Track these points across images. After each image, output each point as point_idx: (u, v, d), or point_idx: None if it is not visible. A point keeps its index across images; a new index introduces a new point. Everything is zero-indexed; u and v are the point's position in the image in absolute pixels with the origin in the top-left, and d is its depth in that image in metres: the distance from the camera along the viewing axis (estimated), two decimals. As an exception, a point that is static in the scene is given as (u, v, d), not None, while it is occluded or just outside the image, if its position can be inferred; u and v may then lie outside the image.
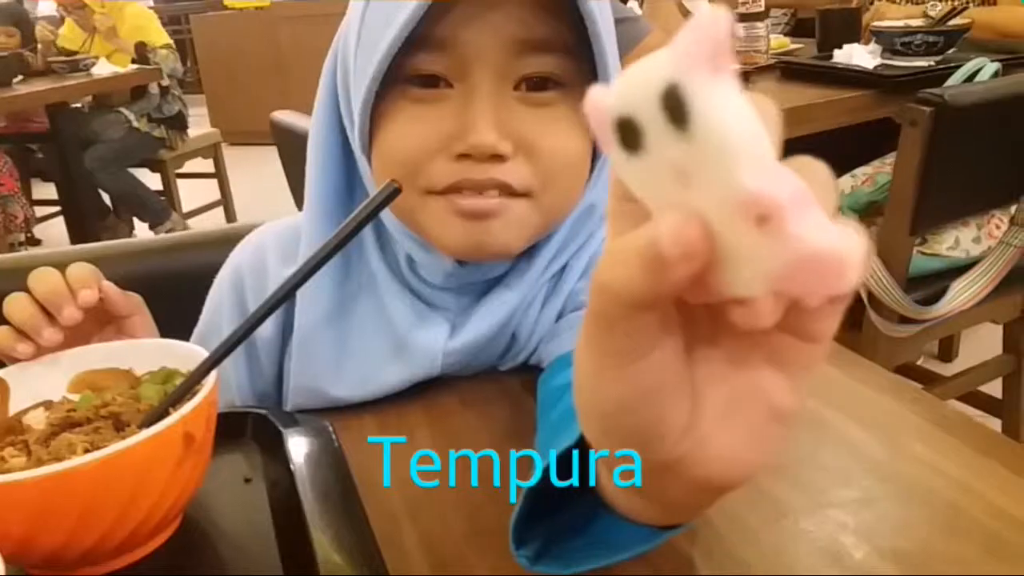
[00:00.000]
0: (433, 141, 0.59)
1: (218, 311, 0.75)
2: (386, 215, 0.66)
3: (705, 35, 0.22)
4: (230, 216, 4.42)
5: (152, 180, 4.07)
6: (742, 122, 0.22)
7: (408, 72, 0.59)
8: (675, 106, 0.22)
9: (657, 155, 0.24)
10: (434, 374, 0.69)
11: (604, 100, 0.25)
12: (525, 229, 0.62)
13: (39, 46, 3.91)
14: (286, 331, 0.71)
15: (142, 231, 4.11)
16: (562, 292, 0.69)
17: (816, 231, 0.22)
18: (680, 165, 0.24)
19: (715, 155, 0.22)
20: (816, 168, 0.24)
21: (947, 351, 2.45)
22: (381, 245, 0.69)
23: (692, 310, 0.28)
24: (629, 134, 0.25)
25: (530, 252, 0.67)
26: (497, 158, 0.58)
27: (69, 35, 4.08)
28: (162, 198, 4.06)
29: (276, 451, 0.55)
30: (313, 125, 0.68)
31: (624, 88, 0.24)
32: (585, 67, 0.59)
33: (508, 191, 0.59)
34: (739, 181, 0.22)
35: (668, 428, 0.30)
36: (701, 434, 0.30)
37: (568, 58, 0.59)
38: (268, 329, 0.71)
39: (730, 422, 0.30)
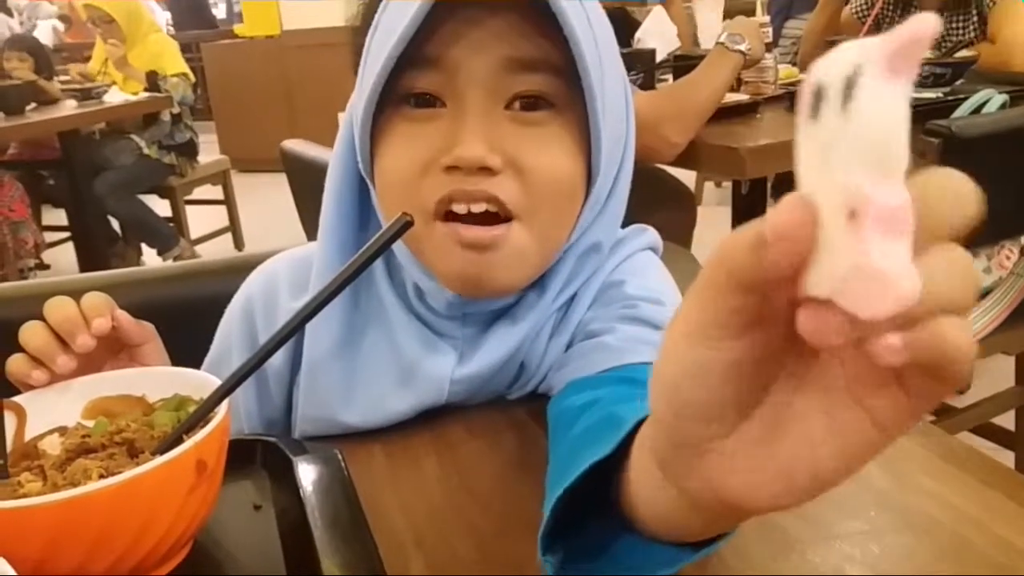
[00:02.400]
0: (425, 157, 0.60)
1: (228, 339, 0.76)
2: (396, 243, 0.66)
3: (901, 35, 0.23)
4: (238, 242, 4.45)
5: (161, 206, 4.10)
6: (890, 124, 0.23)
7: (402, 93, 0.61)
8: (848, 86, 0.24)
9: (821, 126, 0.25)
10: (441, 402, 0.69)
11: (821, 64, 0.25)
12: (524, 261, 0.63)
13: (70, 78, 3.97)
14: (295, 360, 0.72)
15: (150, 257, 4.13)
16: (571, 322, 0.69)
17: (886, 250, 0.23)
18: (827, 140, 0.24)
19: (851, 141, 0.23)
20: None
21: (959, 382, 2.44)
22: (390, 273, 0.70)
23: (779, 331, 0.28)
24: (817, 101, 0.25)
25: (540, 286, 0.68)
26: (486, 171, 0.59)
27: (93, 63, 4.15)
28: (171, 224, 4.08)
29: (286, 479, 0.55)
30: (333, 158, 0.70)
31: (831, 59, 0.25)
32: (577, 90, 0.60)
33: (498, 205, 0.60)
34: (856, 171, 0.23)
35: (715, 420, 0.30)
36: (731, 447, 0.30)
37: (559, 79, 0.60)
38: (278, 358, 0.72)
39: (763, 450, 0.30)
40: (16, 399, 0.54)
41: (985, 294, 1.67)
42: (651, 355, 0.55)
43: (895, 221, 0.23)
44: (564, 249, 0.67)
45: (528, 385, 0.71)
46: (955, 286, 0.24)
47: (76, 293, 0.63)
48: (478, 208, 0.60)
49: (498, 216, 0.60)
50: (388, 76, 0.59)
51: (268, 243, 0.71)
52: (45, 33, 7.64)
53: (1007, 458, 1.91)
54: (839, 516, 0.54)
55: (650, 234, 0.76)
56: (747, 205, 2.20)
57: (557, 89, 0.61)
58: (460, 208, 0.60)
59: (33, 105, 3.64)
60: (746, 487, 0.30)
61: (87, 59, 4.19)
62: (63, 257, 4.24)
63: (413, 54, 0.58)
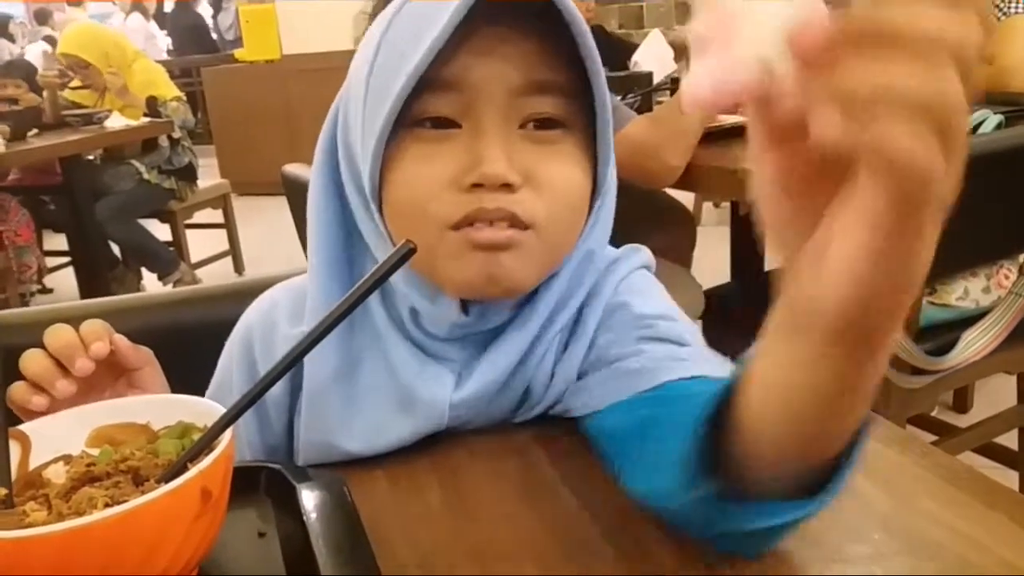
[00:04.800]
0: (444, 176, 0.61)
1: (229, 370, 0.76)
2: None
3: None
4: (238, 266, 4.46)
5: (161, 230, 4.11)
6: None
7: (416, 115, 0.62)
8: None
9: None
10: (442, 426, 0.69)
11: None
12: (535, 264, 0.65)
13: (44, 94, 3.96)
14: (295, 389, 0.72)
15: (150, 281, 4.14)
16: (579, 344, 0.70)
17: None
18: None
19: None
20: None
21: (962, 402, 2.44)
22: (384, 299, 0.70)
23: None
24: None
25: (531, 300, 0.69)
26: (507, 188, 0.61)
27: (81, 93, 4.14)
28: (171, 248, 4.09)
29: (290, 505, 0.55)
30: (311, 190, 0.71)
31: None
32: (583, 109, 0.63)
33: (516, 223, 0.62)
34: None
35: (788, 227, 0.37)
36: (803, 255, 0.36)
37: (569, 100, 0.63)
38: (277, 387, 0.72)
39: (818, 260, 0.35)
40: (21, 427, 0.54)
41: (984, 313, 1.68)
42: (685, 371, 0.60)
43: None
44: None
45: (534, 409, 0.71)
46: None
47: (80, 319, 0.64)
48: (500, 227, 0.61)
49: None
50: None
51: (268, 266, 0.72)
52: (36, 56, 7.69)
53: (1011, 478, 1.91)
54: (843, 539, 0.54)
55: (644, 253, 0.77)
56: (746, 226, 2.20)
57: (567, 109, 0.63)
58: (482, 227, 0.61)
59: (35, 131, 3.66)
60: (817, 288, 0.35)
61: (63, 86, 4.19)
62: (64, 282, 4.24)
63: (428, 77, 0.60)
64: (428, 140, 0.63)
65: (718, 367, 0.62)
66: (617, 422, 0.62)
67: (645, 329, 0.68)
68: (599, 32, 2.74)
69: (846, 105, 0.31)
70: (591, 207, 0.68)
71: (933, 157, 0.30)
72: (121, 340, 0.65)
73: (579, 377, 0.70)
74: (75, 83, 4.15)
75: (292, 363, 0.49)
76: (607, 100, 0.64)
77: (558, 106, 0.63)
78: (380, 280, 0.48)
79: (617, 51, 2.77)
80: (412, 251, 0.48)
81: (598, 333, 0.70)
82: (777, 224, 0.37)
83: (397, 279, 0.68)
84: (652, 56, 2.43)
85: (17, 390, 0.60)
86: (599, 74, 0.62)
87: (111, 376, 0.66)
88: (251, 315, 0.77)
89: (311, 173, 0.71)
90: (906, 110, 0.30)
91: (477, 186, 0.60)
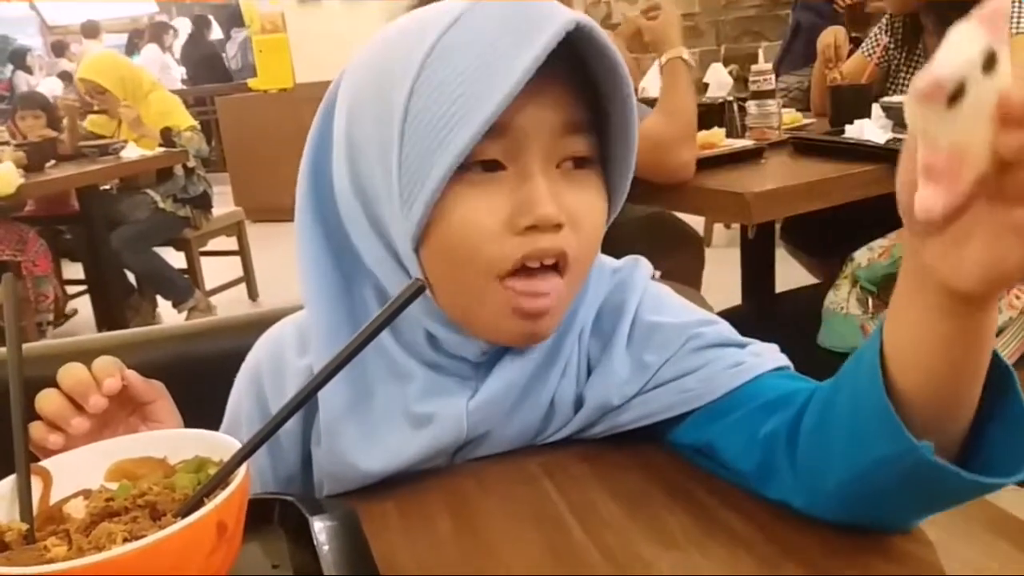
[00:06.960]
0: (498, 219, 0.63)
1: (239, 408, 0.77)
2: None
3: (998, 14, 0.37)
4: (252, 293, 4.48)
5: (176, 258, 4.14)
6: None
7: (465, 159, 0.61)
8: (989, 60, 0.37)
9: (972, 99, 0.38)
10: (462, 437, 0.70)
11: (942, 78, 0.38)
12: (564, 308, 0.69)
13: (64, 123, 4.01)
14: (308, 419, 0.73)
15: (166, 309, 4.16)
16: (611, 364, 0.71)
17: None
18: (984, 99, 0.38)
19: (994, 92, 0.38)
20: None
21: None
22: (392, 325, 0.71)
23: None
24: (955, 94, 0.38)
25: None
26: (556, 227, 0.63)
27: (98, 120, 4.20)
28: (186, 276, 4.12)
29: (303, 538, 0.56)
30: (300, 224, 0.74)
31: (953, 66, 0.38)
32: (597, 142, 0.67)
33: (563, 258, 0.64)
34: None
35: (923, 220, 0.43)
36: (939, 242, 0.44)
37: (595, 135, 0.66)
38: (290, 420, 0.73)
39: (956, 248, 0.43)
40: (42, 463, 0.55)
41: (996, 334, 1.67)
42: (755, 371, 0.67)
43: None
44: None
45: (564, 428, 0.73)
46: None
47: (98, 352, 0.65)
48: (549, 262, 0.64)
49: (555, 265, 0.65)
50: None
51: (282, 292, 0.74)
52: (49, 91, 7.79)
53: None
54: (843, 566, 0.54)
55: (645, 264, 0.79)
56: (755, 249, 2.21)
57: (592, 146, 0.66)
58: (533, 264, 0.64)
59: (52, 162, 3.71)
60: (950, 271, 0.44)
61: (84, 115, 4.25)
62: (80, 310, 4.28)
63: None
64: (477, 183, 0.63)
65: (776, 353, 0.71)
66: (728, 443, 0.65)
67: (693, 340, 0.70)
68: None
69: None
70: None
71: None
72: (133, 375, 0.66)
73: (628, 400, 0.71)
74: (93, 113, 4.20)
75: (306, 398, 0.50)
76: (635, 136, 0.67)
77: (590, 145, 0.66)
78: (392, 316, 0.49)
79: None
80: (422, 288, 0.49)
81: (643, 354, 0.71)
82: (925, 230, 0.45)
83: (415, 305, 0.68)
84: (659, 82, 2.44)
85: (34, 429, 0.61)
86: (634, 111, 0.65)
87: (124, 411, 0.68)
88: (259, 352, 0.78)
89: (296, 219, 0.73)
90: None
91: (530, 228, 0.62)
